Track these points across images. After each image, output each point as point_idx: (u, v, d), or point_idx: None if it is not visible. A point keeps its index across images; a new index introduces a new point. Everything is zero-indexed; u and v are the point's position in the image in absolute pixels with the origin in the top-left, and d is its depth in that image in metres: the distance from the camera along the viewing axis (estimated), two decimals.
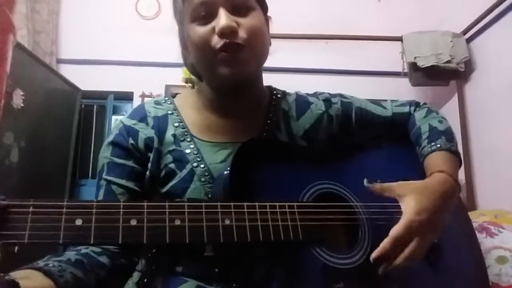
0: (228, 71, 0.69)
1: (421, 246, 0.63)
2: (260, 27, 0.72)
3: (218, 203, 0.58)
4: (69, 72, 2.56)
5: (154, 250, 0.73)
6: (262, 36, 0.73)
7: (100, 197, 0.72)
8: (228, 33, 0.67)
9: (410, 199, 0.67)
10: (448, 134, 0.82)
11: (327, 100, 0.86)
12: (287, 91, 0.89)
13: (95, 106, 2.85)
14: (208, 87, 0.77)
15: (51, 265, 0.58)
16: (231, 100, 0.77)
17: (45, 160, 2.17)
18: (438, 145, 0.78)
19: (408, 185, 0.70)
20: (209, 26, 0.68)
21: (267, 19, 0.78)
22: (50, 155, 2.24)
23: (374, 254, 0.63)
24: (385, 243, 0.62)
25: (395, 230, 0.63)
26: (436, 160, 0.77)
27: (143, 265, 0.74)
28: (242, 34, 0.68)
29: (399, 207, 0.72)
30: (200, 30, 0.69)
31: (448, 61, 2.19)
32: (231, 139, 0.74)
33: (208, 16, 0.69)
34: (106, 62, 2.67)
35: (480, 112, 2.17)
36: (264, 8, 0.77)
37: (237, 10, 0.69)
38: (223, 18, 0.67)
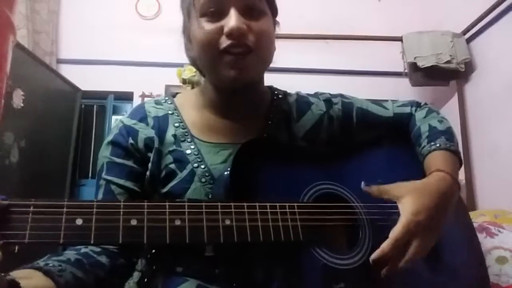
0: (232, 73, 0.68)
1: (421, 247, 0.63)
2: (270, 33, 0.71)
3: (219, 203, 0.58)
4: (69, 72, 2.56)
5: (154, 250, 0.73)
6: (270, 42, 0.72)
7: (100, 197, 0.72)
8: (237, 35, 0.65)
9: (408, 200, 0.66)
10: (448, 133, 0.82)
11: (328, 101, 0.85)
12: (288, 91, 0.88)
13: (95, 106, 2.85)
14: (210, 85, 0.77)
15: (51, 264, 0.58)
16: (233, 100, 0.77)
17: (45, 160, 2.17)
18: (438, 145, 0.78)
19: (406, 185, 0.70)
20: (218, 24, 0.67)
21: (275, 24, 0.77)
22: (50, 155, 2.23)
23: (373, 256, 0.63)
24: (384, 245, 0.62)
25: (394, 232, 0.62)
26: (435, 160, 0.77)
27: (143, 265, 0.74)
28: (251, 38, 0.67)
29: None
30: (207, 27, 0.67)
31: (448, 61, 2.19)
32: (232, 140, 0.74)
33: (217, 14, 0.67)
34: (106, 62, 2.67)
35: (480, 112, 2.17)
36: (274, 13, 0.75)
37: (249, 12, 0.68)
38: (233, 19, 0.65)
